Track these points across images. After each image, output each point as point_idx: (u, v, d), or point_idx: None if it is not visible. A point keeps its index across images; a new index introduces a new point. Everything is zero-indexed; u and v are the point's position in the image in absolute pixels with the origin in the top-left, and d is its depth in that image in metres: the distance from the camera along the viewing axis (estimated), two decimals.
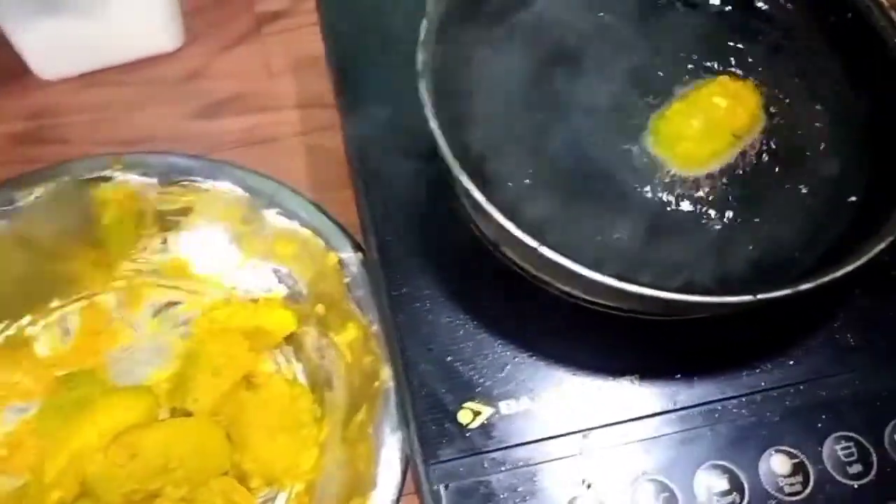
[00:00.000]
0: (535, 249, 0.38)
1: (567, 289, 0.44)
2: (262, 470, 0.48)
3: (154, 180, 0.52)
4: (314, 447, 0.49)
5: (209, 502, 0.45)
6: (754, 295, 0.38)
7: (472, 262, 0.46)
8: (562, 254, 0.38)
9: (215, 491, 0.46)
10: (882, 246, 0.39)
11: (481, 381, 0.43)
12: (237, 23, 0.66)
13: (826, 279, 0.38)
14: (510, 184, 0.47)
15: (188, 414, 0.48)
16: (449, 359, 0.43)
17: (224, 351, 0.49)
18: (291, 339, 0.52)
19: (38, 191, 0.51)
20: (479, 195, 0.40)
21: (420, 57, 0.43)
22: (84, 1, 0.57)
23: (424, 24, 0.45)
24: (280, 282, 0.52)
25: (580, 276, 0.38)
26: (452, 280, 0.46)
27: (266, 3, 0.67)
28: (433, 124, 0.42)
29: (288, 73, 0.63)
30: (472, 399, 0.42)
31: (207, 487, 0.46)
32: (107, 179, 0.52)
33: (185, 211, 0.53)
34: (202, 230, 0.53)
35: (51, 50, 0.60)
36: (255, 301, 0.52)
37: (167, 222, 0.53)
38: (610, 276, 0.38)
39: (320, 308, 0.51)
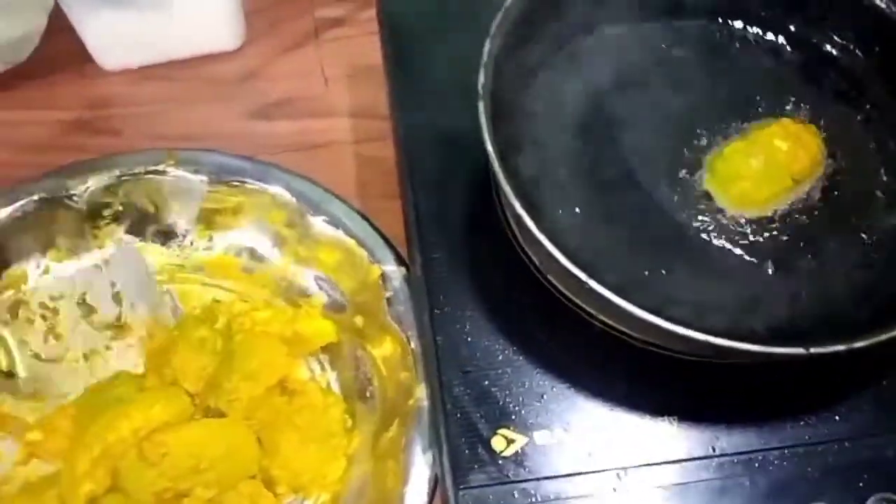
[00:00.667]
0: (585, 283, 0.38)
1: (611, 322, 0.43)
2: (289, 477, 0.48)
3: (204, 178, 0.52)
4: (343, 458, 0.48)
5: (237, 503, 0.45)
6: (807, 349, 0.37)
7: (516, 288, 0.45)
8: (609, 289, 0.38)
9: (243, 494, 0.46)
10: None
11: (517, 408, 0.42)
12: (296, 26, 0.66)
13: (880, 338, 0.37)
14: (560, 211, 0.46)
15: (221, 415, 0.48)
16: (486, 383, 0.43)
17: (262, 354, 0.49)
18: (328, 348, 0.51)
19: (92, 181, 0.52)
20: (530, 222, 0.39)
21: (481, 79, 0.43)
22: None
23: (487, 45, 0.44)
24: (321, 289, 0.52)
25: (626, 313, 0.37)
26: (495, 304, 0.45)
27: (326, 9, 0.67)
28: (490, 148, 0.41)
29: (343, 81, 0.63)
30: (506, 426, 0.42)
31: (236, 490, 0.46)
32: (160, 174, 0.52)
33: (233, 211, 0.53)
34: (248, 231, 0.53)
35: (113, 40, 0.61)
36: (296, 306, 0.52)
37: (214, 221, 0.54)
38: (661, 316, 0.37)
39: (359, 319, 0.50)
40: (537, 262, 0.45)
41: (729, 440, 0.42)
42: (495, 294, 0.45)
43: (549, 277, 0.44)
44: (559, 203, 0.46)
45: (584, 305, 0.44)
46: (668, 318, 0.37)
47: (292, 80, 0.63)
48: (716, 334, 0.37)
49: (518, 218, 0.40)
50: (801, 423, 0.42)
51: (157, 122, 0.61)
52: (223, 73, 0.63)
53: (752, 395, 0.43)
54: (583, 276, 0.38)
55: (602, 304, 0.39)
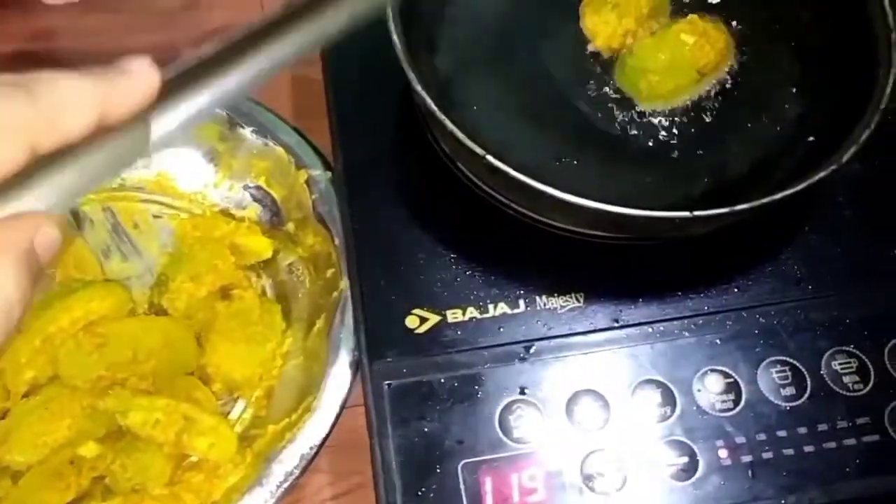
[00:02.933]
0: (482, 157, 0.40)
1: (519, 207, 0.45)
2: (225, 376, 0.50)
3: None
4: (278, 359, 0.50)
5: (172, 396, 0.47)
6: (690, 211, 0.39)
7: (431, 180, 0.47)
8: (505, 161, 0.40)
9: (179, 387, 0.48)
10: (817, 177, 0.40)
11: (431, 290, 0.44)
12: None
13: (761, 202, 0.39)
14: (475, 107, 0.48)
15: (164, 313, 0.50)
16: (402, 268, 0.45)
17: (208, 259, 0.51)
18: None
19: None
20: (429, 101, 0.41)
21: None
22: None
23: None
24: (255, 200, 0.54)
25: (522, 185, 0.39)
26: (411, 195, 0.47)
27: None
28: (396, 41, 0.43)
29: (278, 6, 0.65)
30: (420, 307, 0.44)
31: (172, 383, 0.48)
32: None
33: None
34: (183, 148, 0.55)
35: None
36: (235, 220, 0.54)
37: None
38: (549, 185, 0.39)
39: (290, 226, 0.52)
40: (446, 149, 0.46)
41: (632, 313, 0.44)
42: (411, 186, 0.48)
43: (460, 166, 0.46)
44: (473, 99, 0.48)
45: (492, 192, 0.46)
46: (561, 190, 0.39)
47: (231, 8, 0.65)
48: (597, 200, 0.38)
49: (425, 104, 0.41)
50: (701, 295, 0.44)
51: (100, 53, 0.62)
52: (164, 3, 0.65)
53: (654, 272, 0.45)
54: (479, 150, 0.40)
55: (501, 180, 0.41)
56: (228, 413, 0.49)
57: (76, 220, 0.55)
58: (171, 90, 0.25)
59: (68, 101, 0.23)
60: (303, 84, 0.61)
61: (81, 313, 0.47)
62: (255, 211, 0.54)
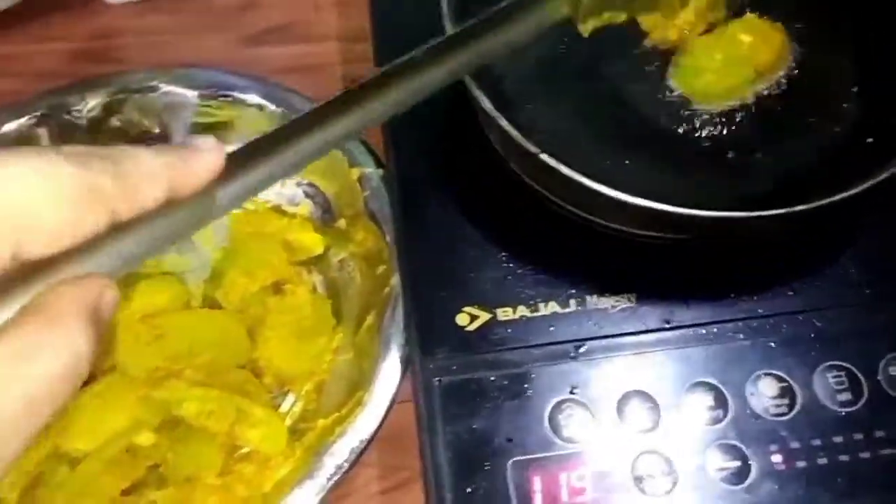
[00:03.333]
0: (536, 156, 0.40)
1: (571, 207, 0.45)
2: (276, 370, 0.50)
3: (195, 92, 0.55)
4: (328, 354, 0.51)
5: (225, 388, 0.48)
6: (749, 212, 0.39)
7: (483, 178, 0.48)
8: (559, 160, 0.40)
9: (232, 380, 0.49)
10: (877, 180, 0.39)
11: (482, 288, 0.45)
12: None
13: (819, 203, 0.38)
14: (528, 105, 0.48)
15: (218, 306, 0.51)
16: (453, 266, 0.45)
17: (261, 254, 0.52)
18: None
19: (90, 98, 0.55)
20: (483, 98, 0.41)
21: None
22: None
23: None
24: (307, 196, 0.55)
25: (577, 184, 0.39)
26: (463, 194, 0.47)
27: None
28: (449, 30, 0.43)
29: (332, 7, 0.66)
30: (471, 304, 0.44)
31: (224, 376, 0.49)
32: (154, 90, 0.55)
33: (225, 125, 0.56)
34: (238, 144, 0.56)
35: None
36: (288, 216, 0.55)
37: (208, 133, 0.56)
38: (603, 184, 0.39)
39: (342, 222, 0.53)
40: (499, 149, 0.46)
41: (684, 314, 0.43)
42: (463, 184, 0.48)
43: (513, 165, 0.46)
44: (527, 98, 0.48)
45: (545, 191, 0.45)
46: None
47: (285, 7, 0.66)
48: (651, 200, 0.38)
49: (478, 102, 0.42)
50: (755, 298, 0.44)
51: (158, 51, 0.64)
52: (221, 3, 0.66)
53: (707, 273, 0.45)
54: (533, 148, 0.40)
55: (559, 181, 0.41)
56: (279, 406, 0.50)
57: None
58: (236, 165, 0.28)
59: (147, 175, 0.24)
60: (355, 82, 0.61)
61: (140, 305, 0.48)
62: (307, 207, 0.55)
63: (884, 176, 0.39)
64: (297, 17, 0.65)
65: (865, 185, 0.38)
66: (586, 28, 0.42)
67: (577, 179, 0.39)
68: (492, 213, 0.47)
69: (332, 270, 0.53)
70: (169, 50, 0.64)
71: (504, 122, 0.40)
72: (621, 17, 0.47)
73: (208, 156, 0.27)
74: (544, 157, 0.39)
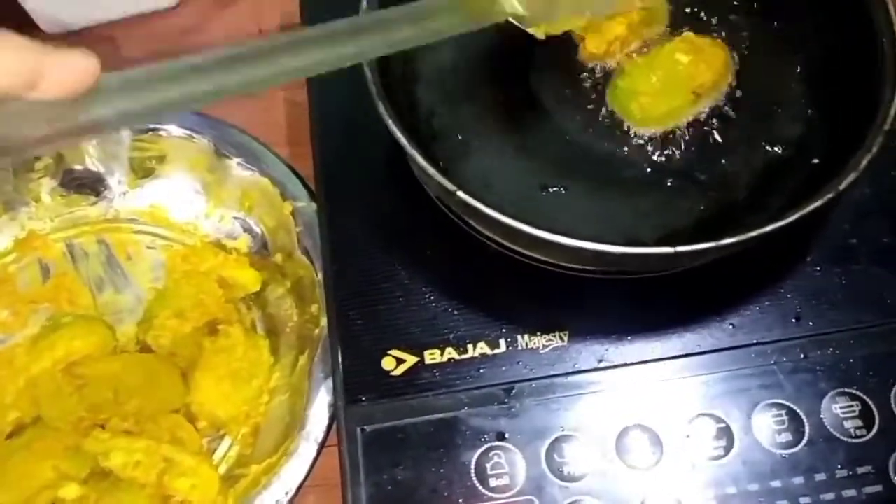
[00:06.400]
0: (454, 194, 0.38)
1: (501, 242, 0.43)
2: (210, 415, 0.49)
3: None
4: (265, 395, 0.49)
5: (156, 436, 0.46)
6: (673, 247, 0.37)
7: (412, 215, 0.46)
8: (479, 199, 0.38)
9: (163, 427, 0.47)
10: (811, 208, 0.37)
11: (409, 330, 0.43)
12: None
13: (748, 236, 0.36)
14: (460, 136, 0.47)
15: (150, 350, 0.50)
16: (380, 307, 0.44)
17: (194, 294, 0.51)
18: None
19: None
20: (398, 133, 0.39)
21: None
22: None
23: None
24: (245, 231, 0.54)
25: (497, 222, 0.38)
26: (392, 232, 0.46)
27: None
28: (371, 83, 0.41)
29: (278, 31, 0.64)
30: (398, 347, 0.42)
31: (156, 423, 0.47)
32: None
33: (159, 159, 0.54)
34: (175, 178, 0.55)
35: (53, 4, 0.62)
36: (226, 251, 0.53)
37: (143, 170, 0.55)
38: (522, 221, 0.37)
39: (279, 257, 0.51)
40: (423, 184, 0.45)
41: (617, 352, 0.42)
42: (393, 222, 0.46)
43: (437, 201, 0.45)
44: (459, 128, 0.47)
45: (469, 227, 0.44)
46: (534, 225, 0.37)
47: (229, 34, 0.64)
48: (571, 237, 0.36)
49: (395, 137, 0.40)
50: (692, 332, 0.42)
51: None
52: (163, 31, 0.64)
53: (642, 308, 0.43)
54: (451, 186, 0.38)
55: (480, 218, 0.39)
56: (215, 451, 0.48)
57: (71, 253, 0.55)
58: (123, 86, 0.30)
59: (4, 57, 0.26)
60: (296, 108, 0.60)
61: (63, 353, 0.47)
62: (245, 241, 0.53)
63: (815, 205, 0.37)
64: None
65: (797, 216, 0.37)
66: (539, 31, 0.40)
67: (495, 217, 0.37)
68: (420, 250, 0.45)
69: (270, 306, 0.52)
70: None
71: (421, 161, 0.39)
72: (579, 22, 0.45)
73: (77, 63, 0.28)
74: (461, 194, 0.38)
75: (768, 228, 0.37)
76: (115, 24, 0.64)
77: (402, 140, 0.39)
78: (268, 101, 0.61)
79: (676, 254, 0.36)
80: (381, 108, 0.40)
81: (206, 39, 0.64)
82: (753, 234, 0.36)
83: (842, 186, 0.38)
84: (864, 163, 0.38)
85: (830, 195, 0.37)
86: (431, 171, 0.38)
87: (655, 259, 0.38)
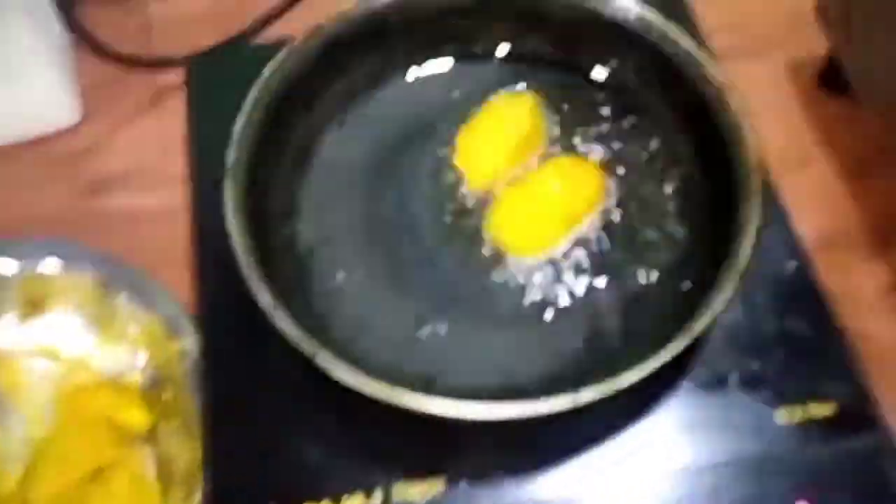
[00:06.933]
0: (312, 359, 0.38)
1: None
2: None
3: (13, 268, 0.53)
4: None
5: None
6: (536, 400, 0.37)
7: (286, 359, 0.45)
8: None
9: None
10: (672, 353, 0.38)
11: (284, 482, 0.42)
12: (135, 97, 0.67)
13: (601, 395, 0.36)
14: (340, 274, 0.46)
15: None
16: (254, 461, 0.43)
17: (79, 440, 0.50)
18: None
19: None
20: (254, 288, 0.39)
21: (231, 155, 0.44)
22: None
23: (239, 120, 0.45)
24: (135, 365, 0.53)
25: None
26: (270, 376, 0.45)
27: (167, 77, 0.67)
28: (230, 224, 0.41)
29: (181, 148, 0.64)
30: (274, 499, 0.42)
31: None
32: None
33: (46, 295, 0.54)
34: (63, 315, 0.54)
35: None
36: (115, 389, 0.52)
37: (31, 307, 0.54)
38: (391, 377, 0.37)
39: (169, 393, 0.51)
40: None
41: (501, 499, 0.41)
42: (268, 374, 0.45)
43: None
44: (339, 265, 0.47)
45: None
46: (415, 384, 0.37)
47: (129, 152, 0.64)
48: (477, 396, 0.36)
49: (250, 292, 0.40)
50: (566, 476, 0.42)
51: None
52: (60, 151, 0.64)
53: (526, 448, 0.42)
54: (309, 349, 0.38)
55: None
56: None
57: None
58: None
59: None
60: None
61: None
62: (136, 377, 0.53)
63: (666, 358, 0.37)
64: (140, 163, 0.63)
65: (646, 372, 0.37)
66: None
67: (353, 385, 0.37)
68: (297, 397, 0.44)
69: (161, 444, 0.51)
70: (4, 207, 0.62)
71: (281, 323, 0.38)
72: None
73: None
74: (320, 361, 0.38)
75: (636, 379, 0.37)
76: (9, 147, 0.64)
77: (265, 300, 0.39)
78: (169, 223, 0.60)
79: (535, 417, 0.36)
80: (241, 260, 0.40)
81: (105, 159, 0.64)
82: (605, 392, 0.37)
83: (697, 330, 0.38)
84: (721, 307, 0.38)
85: (686, 342, 0.38)
86: (291, 334, 0.38)
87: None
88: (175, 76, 0.67)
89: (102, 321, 0.53)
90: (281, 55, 0.47)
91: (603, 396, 0.37)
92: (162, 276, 0.54)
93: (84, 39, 0.61)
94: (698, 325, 0.38)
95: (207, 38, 0.66)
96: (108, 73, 0.67)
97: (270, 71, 0.46)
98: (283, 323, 0.38)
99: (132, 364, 0.53)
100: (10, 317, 0.54)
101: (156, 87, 0.67)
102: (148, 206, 0.61)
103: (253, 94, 0.46)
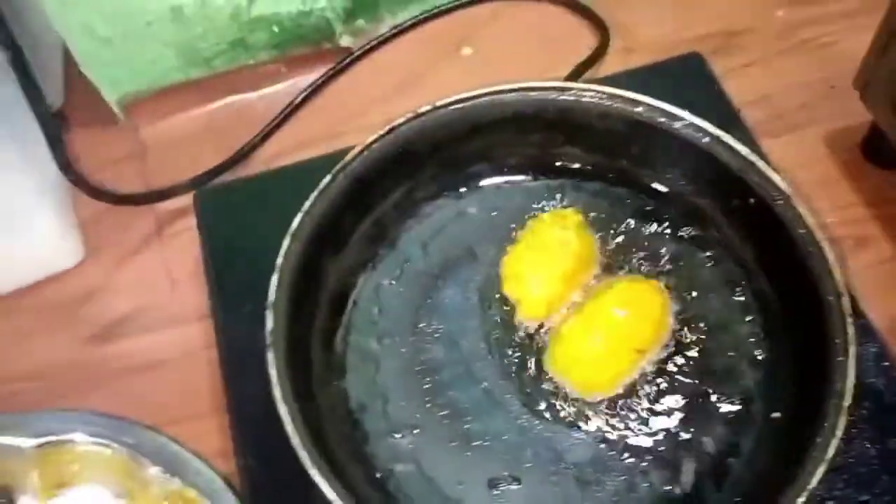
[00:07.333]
0: None
1: None
2: None
3: (32, 442, 0.48)
4: None
5: None
6: None
7: None
8: None
9: None
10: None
11: None
12: (138, 226, 0.62)
13: None
14: (397, 435, 0.42)
15: None
16: None
17: None
18: None
19: None
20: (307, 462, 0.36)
21: (269, 324, 0.40)
22: None
23: (273, 281, 0.41)
24: None
25: None
26: None
27: (167, 202, 0.63)
28: (279, 401, 0.37)
29: (191, 280, 0.59)
30: None
31: None
32: None
33: (70, 469, 0.49)
34: (91, 487, 0.49)
35: None
36: None
37: (55, 482, 0.50)
38: None
39: None
40: None
41: None
42: None
43: None
44: (394, 425, 0.43)
45: None
46: None
47: (136, 290, 0.59)
48: None
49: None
50: None
51: None
52: (62, 296, 0.59)
53: None
54: None
55: None
56: None
57: None
58: None
59: None
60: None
61: None
62: None
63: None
64: (149, 300, 0.59)
65: None
66: None
67: None
68: None
69: None
70: (5, 360, 0.57)
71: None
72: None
73: None
74: None
75: None
76: (10, 295, 0.59)
77: (314, 477, 0.35)
78: (187, 364, 0.56)
79: None
80: (296, 444, 0.36)
81: (111, 300, 0.60)
82: None
83: (814, 481, 0.35)
84: (832, 450, 0.35)
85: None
86: None
87: None
88: (177, 203, 0.64)
89: (135, 492, 0.49)
90: (308, 202, 0.43)
91: None
92: (184, 429, 0.50)
93: (80, 186, 0.57)
94: (815, 476, 0.34)
95: (204, 158, 0.62)
96: (106, 206, 0.63)
97: (299, 219, 0.43)
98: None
99: None
100: (31, 496, 0.50)
101: (157, 216, 0.63)
102: (161, 349, 0.57)
103: (285, 244, 0.42)
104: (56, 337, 0.58)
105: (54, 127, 0.53)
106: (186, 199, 0.63)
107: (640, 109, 0.45)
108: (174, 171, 0.63)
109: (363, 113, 0.64)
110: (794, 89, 0.62)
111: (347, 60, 0.67)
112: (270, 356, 0.39)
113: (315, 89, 0.66)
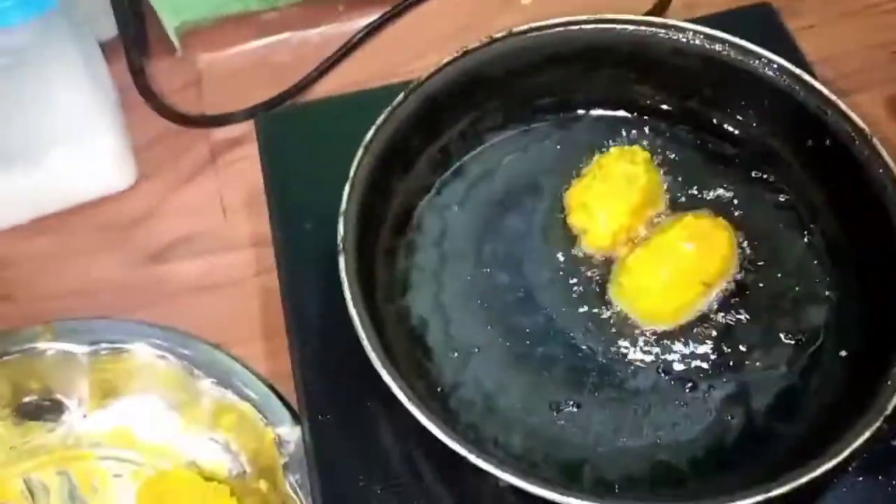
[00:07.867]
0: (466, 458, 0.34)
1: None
2: None
3: (86, 349, 0.49)
4: None
5: None
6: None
7: (405, 447, 0.41)
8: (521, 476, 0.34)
9: None
10: (868, 433, 0.34)
11: None
12: (192, 154, 0.63)
13: (793, 484, 0.33)
14: (455, 353, 0.42)
15: None
16: None
17: None
18: None
19: None
20: (397, 390, 0.35)
21: (340, 231, 0.40)
22: (24, 150, 0.55)
23: (346, 190, 0.41)
24: (223, 452, 0.48)
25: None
26: (385, 468, 0.41)
27: (223, 131, 0.64)
28: (352, 311, 0.37)
29: (242, 210, 0.59)
30: None
31: None
32: (38, 352, 0.49)
33: (123, 378, 0.49)
34: (141, 398, 0.50)
35: None
36: (203, 475, 0.48)
37: (105, 391, 0.50)
38: (546, 486, 0.33)
39: (263, 484, 0.46)
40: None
41: None
42: (386, 458, 0.41)
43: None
44: (455, 343, 0.43)
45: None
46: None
47: (189, 215, 0.60)
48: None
49: (392, 392, 0.36)
50: None
51: (49, 280, 0.58)
52: (117, 217, 0.60)
53: None
54: (462, 450, 0.34)
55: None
56: None
57: (29, 489, 0.49)
58: None
59: None
60: (274, 295, 0.55)
61: None
62: (224, 465, 0.48)
63: (861, 439, 0.33)
64: (201, 226, 0.59)
65: (840, 457, 0.33)
66: None
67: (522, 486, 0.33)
68: (419, 487, 0.40)
69: None
70: (60, 278, 0.57)
71: (421, 416, 0.35)
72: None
73: None
74: (473, 458, 0.34)
75: (814, 473, 0.33)
76: (66, 213, 0.60)
77: (401, 396, 0.35)
78: (238, 290, 0.56)
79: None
80: (371, 354, 0.36)
81: (165, 224, 0.60)
82: (793, 484, 0.33)
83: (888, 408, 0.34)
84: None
85: (877, 423, 0.34)
86: (450, 443, 0.34)
87: None
88: (231, 131, 0.64)
89: (187, 404, 0.49)
90: (381, 117, 0.43)
91: (795, 487, 0.33)
92: (235, 351, 0.51)
93: (151, 103, 0.57)
94: (890, 403, 0.34)
95: (259, 92, 0.63)
96: (160, 131, 0.63)
97: (372, 133, 0.43)
98: (437, 429, 0.34)
99: (220, 450, 0.49)
100: (84, 400, 0.50)
101: (211, 145, 0.63)
102: (212, 274, 0.57)
103: (357, 155, 0.42)
104: (109, 256, 0.58)
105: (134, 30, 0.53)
106: (240, 129, 0.63)
107: (717, 47, 0.45)
108: (230, 103, 0.64)
109: (419, 56, 0.64)
110: (857, 52, 0.62)
111: (406, 3, 0.67)
112: (342, 261, 0.39)
113: (372, 30, 0.66)
